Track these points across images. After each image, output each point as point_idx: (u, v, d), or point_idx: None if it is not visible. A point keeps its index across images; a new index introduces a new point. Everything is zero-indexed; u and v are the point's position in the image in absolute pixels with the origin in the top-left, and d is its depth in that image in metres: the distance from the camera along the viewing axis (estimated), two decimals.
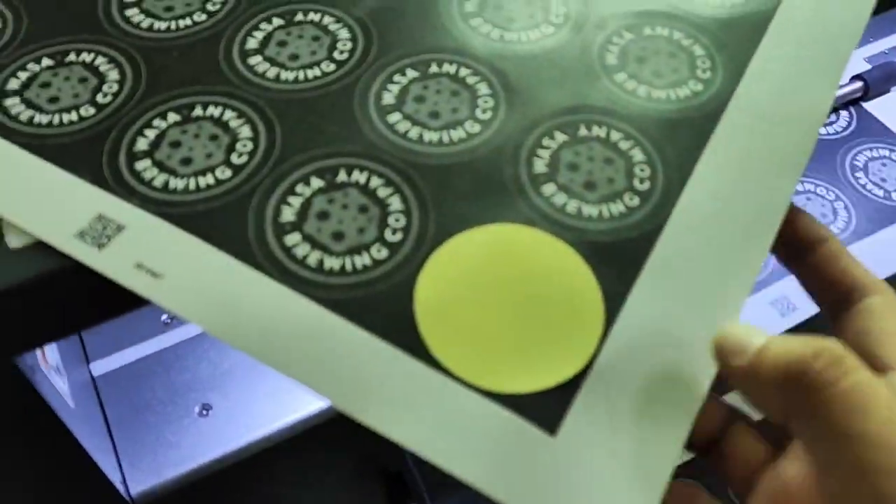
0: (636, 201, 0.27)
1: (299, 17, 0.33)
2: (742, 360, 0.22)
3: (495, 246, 0.26)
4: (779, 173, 0.28)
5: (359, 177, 0.27)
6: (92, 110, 0.29)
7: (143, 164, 0.28)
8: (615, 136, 0.29)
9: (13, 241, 0.26)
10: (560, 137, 0.29)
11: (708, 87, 0.30)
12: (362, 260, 0.26)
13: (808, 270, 0.27)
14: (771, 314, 0.61)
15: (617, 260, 0.26)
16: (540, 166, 0.28)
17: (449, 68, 0.31)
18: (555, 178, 0.28)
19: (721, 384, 0.24)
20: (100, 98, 0.30)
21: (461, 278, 0.25)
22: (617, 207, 0.27)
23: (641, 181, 0.28)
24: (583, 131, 0.29)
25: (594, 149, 0.28)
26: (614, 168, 0.28)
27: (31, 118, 0.29)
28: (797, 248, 0.27)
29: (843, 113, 0.74)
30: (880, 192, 0.67)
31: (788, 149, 0.28)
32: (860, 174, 0.69)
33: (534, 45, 0.32)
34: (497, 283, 0.25)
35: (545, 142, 0.29)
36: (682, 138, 0.29)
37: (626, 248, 0.26)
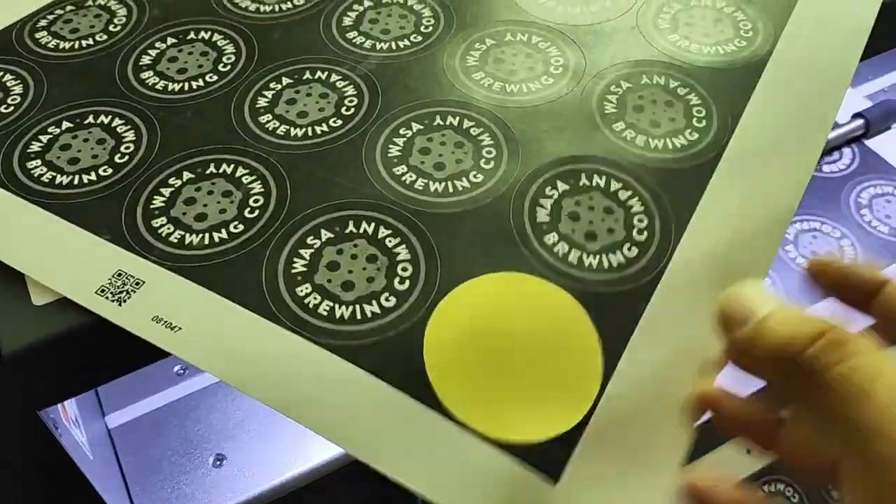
0: (634, 252, 0.28)
1: (307, 75, 0.34)
2: (741, 331, 0.20)
3: (500, 295, 0.27)
4: (771, 221, 0.28)
5: (367, 227, 0.28)
6: (110, 170, 0.30)
7: (159, 221, 0.29)
8: (615, 185, 0.30)
9: (37, 298, 0.27)
10: (561, 187, 0.30)
11: (703, 135, 0.31)
12: (372, 308, 0.26)
13: (876, 313, 0.24)
14: None
15: (615, 311, 0.26)
16: (542, 215, 0.29)
17: (452, 120, 0.32)
18: (557, 228, 0.28)
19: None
20: (117, 158, 0.31)
21: (468, 327, 0.26)
22: (616, 258, 0.28)
23: (640, 231, 0.28)
24: (583, 181, 0.30)
25: (594, 198, 0.29)
26: (614, 218, 0.29)
27: (53, 179, 0.30)
28: (863, 295, 0.24)
29: (847, 150, 0.75)
30: (885, 229, 0.68)
31: (780, 197, 0.29)
32: (865, 211, 0.69)
33: (534, 96, 0.33)
34: (502, 332, 0.26)
35: (547, 191, 0.29)
36: (679, 188, 0.30)
37: (624, 299, 0.27)
